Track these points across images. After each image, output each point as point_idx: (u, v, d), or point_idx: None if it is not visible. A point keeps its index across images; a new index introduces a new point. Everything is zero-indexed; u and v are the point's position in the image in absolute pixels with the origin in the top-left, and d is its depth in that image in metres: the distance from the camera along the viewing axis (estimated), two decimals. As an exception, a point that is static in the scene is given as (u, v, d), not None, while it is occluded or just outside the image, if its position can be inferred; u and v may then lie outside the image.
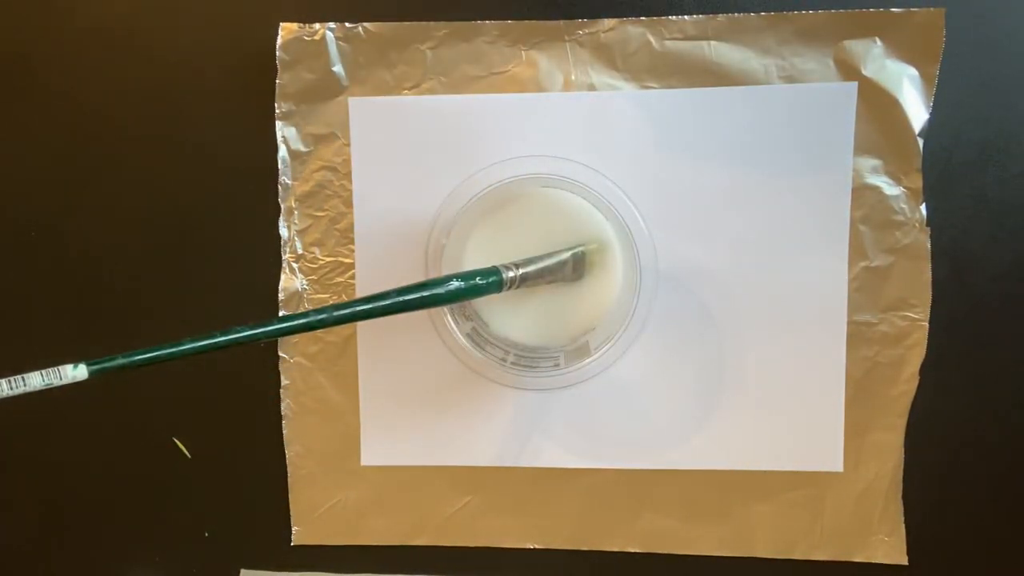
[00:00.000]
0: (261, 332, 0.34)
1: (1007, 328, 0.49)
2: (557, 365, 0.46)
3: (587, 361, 0.45)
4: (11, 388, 0.30)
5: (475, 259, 0.47)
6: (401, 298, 0.37)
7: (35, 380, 0.31)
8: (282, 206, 0.51)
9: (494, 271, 0.41)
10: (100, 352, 0.53)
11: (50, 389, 0.31)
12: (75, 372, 0.31)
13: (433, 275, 0.46)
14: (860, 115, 0.48)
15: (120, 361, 0.32)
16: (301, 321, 0.35)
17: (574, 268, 0.45)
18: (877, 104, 0.48)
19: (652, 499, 0.51)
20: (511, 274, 0.42)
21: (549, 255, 0.44)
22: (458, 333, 0.46)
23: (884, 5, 0.47)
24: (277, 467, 0.53)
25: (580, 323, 0.47)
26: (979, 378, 0.49)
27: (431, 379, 0.51)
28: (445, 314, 0.46)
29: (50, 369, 0.31)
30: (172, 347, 0.33)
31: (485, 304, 0.47)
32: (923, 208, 0.48)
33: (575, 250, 0.45)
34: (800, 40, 0.48)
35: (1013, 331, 0.49)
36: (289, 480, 0.53)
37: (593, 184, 0.46)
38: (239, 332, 0.33)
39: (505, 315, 0.47)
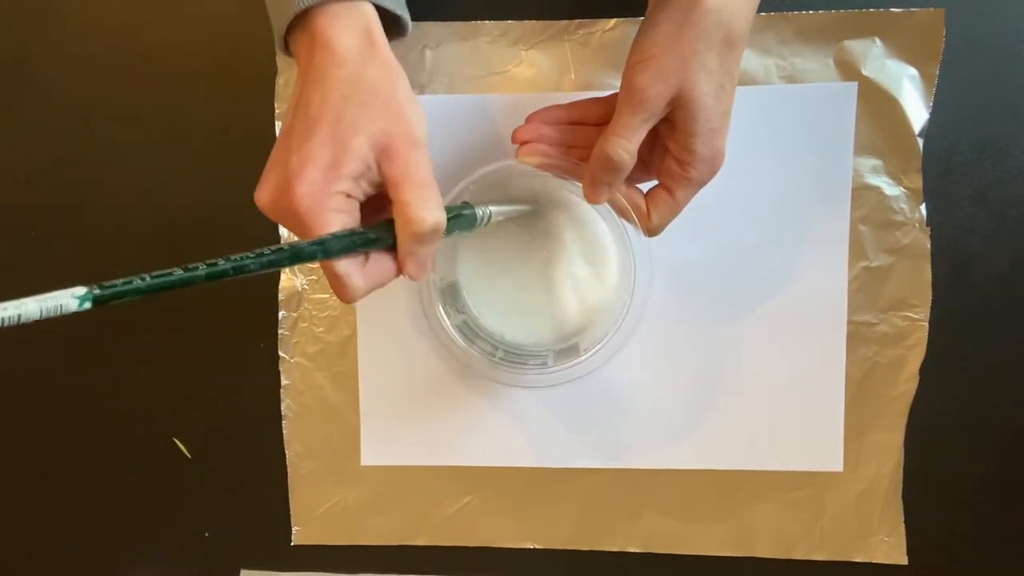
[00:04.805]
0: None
1: (1007, 328, 0.49)
2: (545, 364, 0.46)
3: (575, 362, 0.45)
4: (4, 314, 0.27)
5: (474, 258, 0.47)
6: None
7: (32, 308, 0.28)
8: (282, 206, 0.51)
9: (467, 206, 0.41)
10: (100, 360, 0.54)
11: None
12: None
13: (433, 275, 0.46)
14: (860, 115, 0.48)
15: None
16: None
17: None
18: (877, 104, 0.48)
19: (652, 499, 0.51)
20: (482, 211, 0.41)
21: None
22: (448, 324, 0.46)
23: (884, 5, 0.47)
24: (277, 467, 0.53)
25: (570, 325, 0.47)
26: (979, 378, 0.49)
27: (428, 379, 0.51)
28: (437, 304, 0.46)
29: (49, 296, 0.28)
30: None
31: (479, 300, 0.47)
32: (923, 208, 0.48)
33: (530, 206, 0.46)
34: (800, 40, 0.48)
35: (1013, 331, 0.49)
36: (289, 480, 0.53)
37: None
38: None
39: (497, 311, 0.47)
